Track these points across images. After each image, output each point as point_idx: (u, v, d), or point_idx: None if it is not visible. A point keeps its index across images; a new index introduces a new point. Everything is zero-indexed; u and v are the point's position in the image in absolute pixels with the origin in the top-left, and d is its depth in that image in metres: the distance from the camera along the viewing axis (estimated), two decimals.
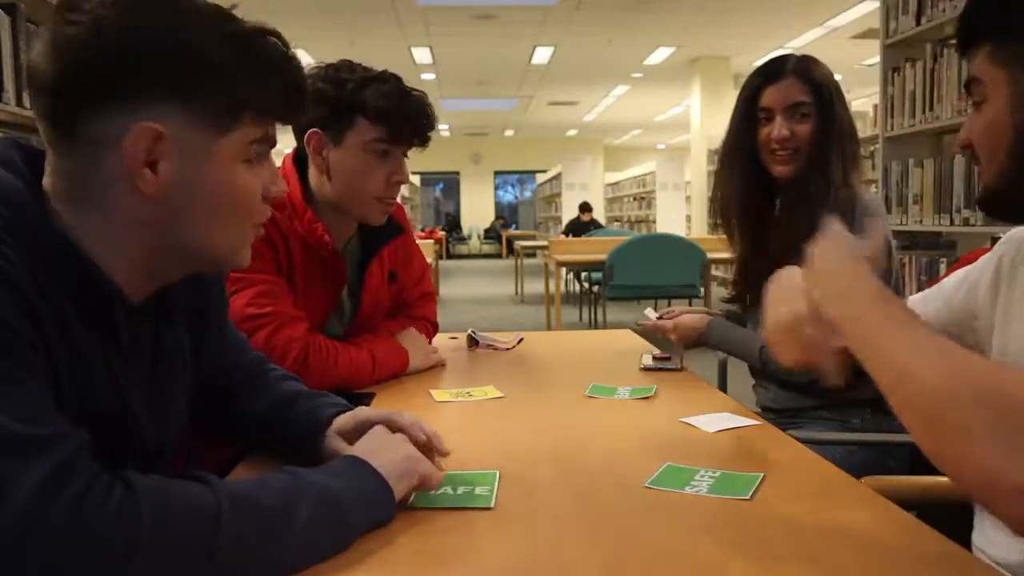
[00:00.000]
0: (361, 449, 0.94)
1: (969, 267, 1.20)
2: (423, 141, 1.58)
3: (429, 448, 0.99)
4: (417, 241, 1.89)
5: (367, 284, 1.66)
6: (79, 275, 0.80)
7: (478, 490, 0.96)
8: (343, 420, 1.07)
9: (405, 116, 1.51)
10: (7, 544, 0.62)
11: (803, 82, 1.66)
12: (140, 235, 0.82)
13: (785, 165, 1.68)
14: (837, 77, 1.74)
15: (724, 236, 1.84)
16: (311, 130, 1.52)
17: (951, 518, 1.08)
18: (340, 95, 1.48)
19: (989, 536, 1.03)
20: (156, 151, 0.79)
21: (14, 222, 0.76)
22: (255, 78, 0.82)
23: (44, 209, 0.80)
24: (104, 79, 0.77)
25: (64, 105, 0.78)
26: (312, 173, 1.57)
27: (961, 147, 1.03)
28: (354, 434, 1.02)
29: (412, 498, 0.93)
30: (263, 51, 0.83)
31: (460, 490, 0.96)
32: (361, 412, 1.08)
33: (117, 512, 0.65)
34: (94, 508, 0.65)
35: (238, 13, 0.85)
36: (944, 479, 1.14)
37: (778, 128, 1.66)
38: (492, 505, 0.93)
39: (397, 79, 1.55)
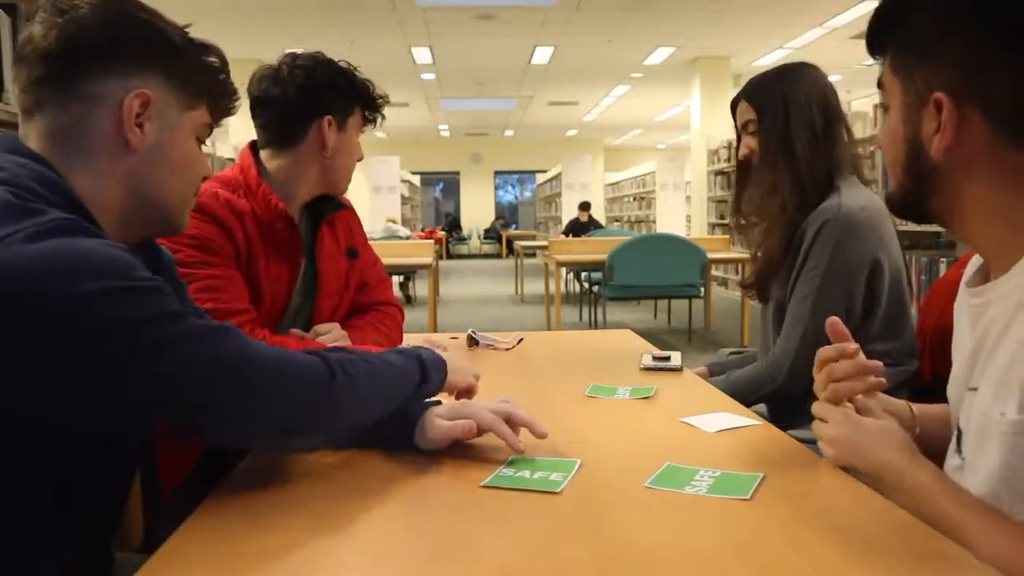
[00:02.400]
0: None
1: None
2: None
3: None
4: (417, 241, 1.96)
5: (320, 249, 1.74)
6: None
7: (553, 476, 1.01)
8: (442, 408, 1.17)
9: (381, 104, 1.76)
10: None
11: (748, 102, 1.80)
12: (118, 186, 0.97)
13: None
14: (837, 77, 1.76)
15: (726, 236, 1.95)
16: (328, 116, 1.66)
17: None
18: (349, 85, 1.68)
19: None
20: (143, 113, 0.97)
21: (69, 204, 0.89)
22: (213, 76, 1.05)
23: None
24: (107, 50, 0.95)
25: (68, 67, 0.94)
26: (291, 153, 1.68)
27: (879, 146, 1.06)
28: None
29: (490, 478, 1.00)
30: (217, 57, 1.06)
31: (537, 475, 1.01)
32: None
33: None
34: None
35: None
36: None
37: (741, 147, 1.85)
38: (559, 490, 0.96)
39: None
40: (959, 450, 0.99)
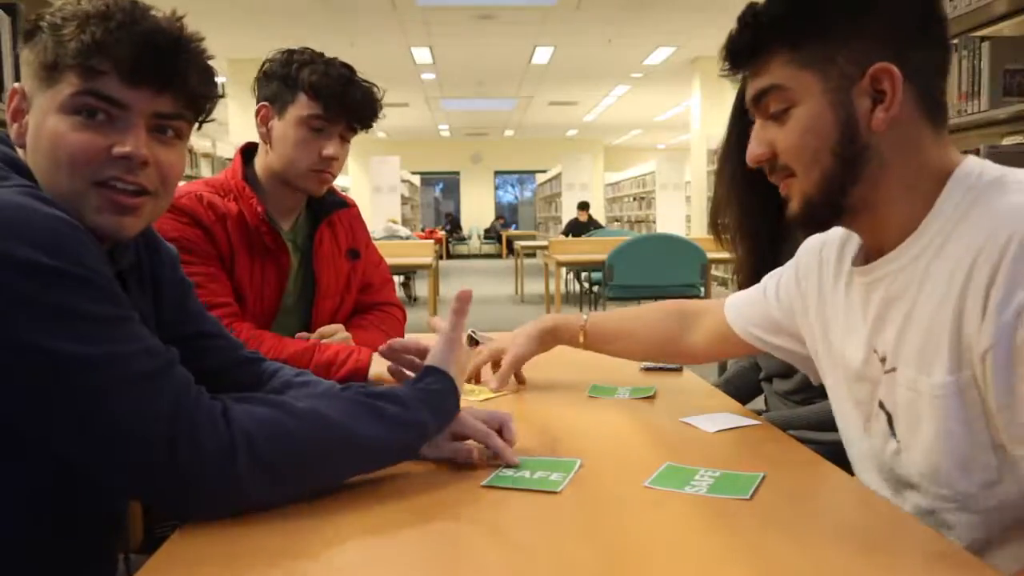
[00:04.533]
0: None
1: (780, 273, 1.29)
2: (361, 124, 1.67)
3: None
4: (417, 241, 1.93)
5: (317, 251, 1.73)
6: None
7: (553, 476, 1.00)
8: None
9: (340, 98, 1.61)
10: (162, 456, 0.80)
11: None
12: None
13: None
14: None
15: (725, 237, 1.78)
16: (261, 103, 1.66)
17: None
18: (287, 72, 1.61)
19: None
20: (23, 108, 0.93)
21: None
22: (70, 45, 0.89)
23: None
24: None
25: None
26: (260, 150, 1.71)
27: (756, 162, 1.02)
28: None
29: (490, 478, 0.99)
30: (74, 24, 0.89)
31: (537, 475, 1.01)
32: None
33: (221, 422, 0.84)
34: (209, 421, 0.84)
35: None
36: None
37: None
38: (559, 490, 0.96)
39: (348, 68, 1.65)
40: (893, 434, 1.01)
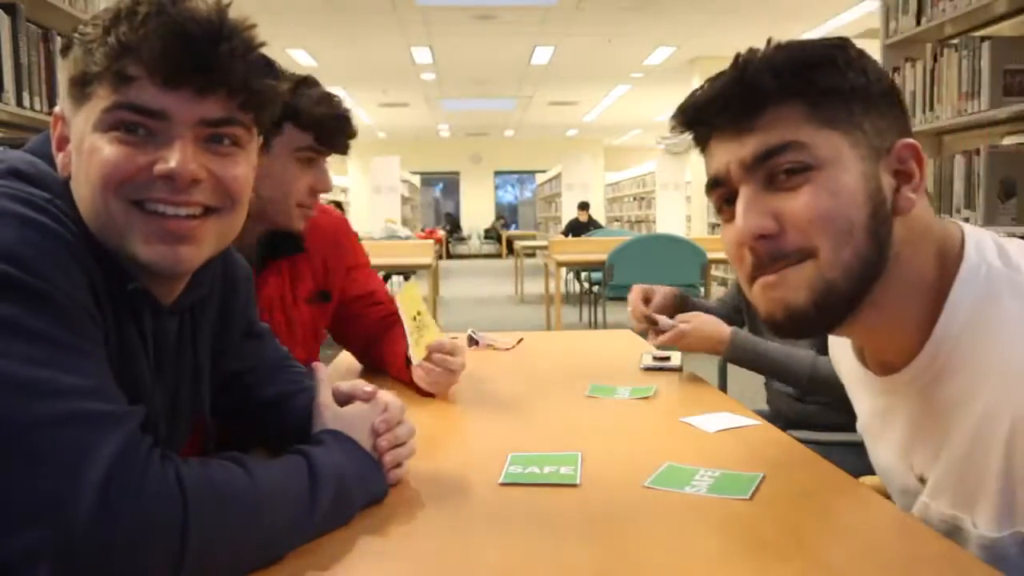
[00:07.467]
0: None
1: None
2: (346, 149, 1.54)
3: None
4: (417, 241, 1.84)
5: (262, 295, 1.48)
6: (109, 269, 0.80)
7: (563, 470, 1.03)
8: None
9: (335, 124, 1.48)
10: (86, 518, 0.64)
11: None
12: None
13: None
14: None
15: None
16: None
17: None
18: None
19: None
20: (66, 134, 0.82)
21: (65, 211, 0.78)
22: (96, 52, 0.78)
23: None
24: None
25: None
26: None
27: (758, 237, 0.81)
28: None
29: (503, 475, 1.00)
30: (99, 28, 0.79)
31: (547, 469, 1.03)
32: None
33: (168, 492, 0.69)
34: (154, 486, 0.68)
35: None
36: None
37: None
38: (578, 482, 0.98)
39: (317, 82, 1.50)
40: None
